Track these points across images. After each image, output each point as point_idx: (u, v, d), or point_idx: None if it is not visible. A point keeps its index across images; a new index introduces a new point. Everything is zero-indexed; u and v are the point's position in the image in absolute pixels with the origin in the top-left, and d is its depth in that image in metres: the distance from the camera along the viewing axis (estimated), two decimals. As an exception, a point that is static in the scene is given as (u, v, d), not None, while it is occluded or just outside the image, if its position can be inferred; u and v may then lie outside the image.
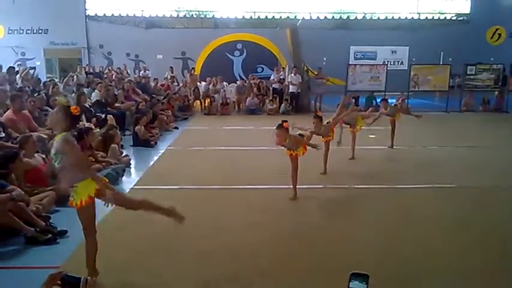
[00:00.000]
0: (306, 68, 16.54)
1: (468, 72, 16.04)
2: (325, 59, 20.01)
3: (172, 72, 18.21)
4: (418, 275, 3.90)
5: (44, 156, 6.14)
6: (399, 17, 21.84)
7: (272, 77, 16.29)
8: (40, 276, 3.28)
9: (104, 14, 20.80)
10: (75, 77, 13.90)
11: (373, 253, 4.30)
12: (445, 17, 22.26)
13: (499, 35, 21.55)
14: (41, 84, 11.37)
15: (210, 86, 15.97)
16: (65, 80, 13.22)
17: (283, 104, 15.01)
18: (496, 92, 16.19)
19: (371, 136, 9.69)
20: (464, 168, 7.76)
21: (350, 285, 1.44)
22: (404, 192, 6.46)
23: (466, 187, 6.60)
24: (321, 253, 4.33)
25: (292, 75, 15.21)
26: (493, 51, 19.91)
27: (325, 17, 21.69)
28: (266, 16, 21.32)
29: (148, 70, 18.10)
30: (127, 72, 18.12)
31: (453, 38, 20.30)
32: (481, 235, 4.80)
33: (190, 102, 15.63)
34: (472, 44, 20.12)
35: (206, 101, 15.61)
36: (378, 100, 16.03)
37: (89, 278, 1.80)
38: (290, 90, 15.29)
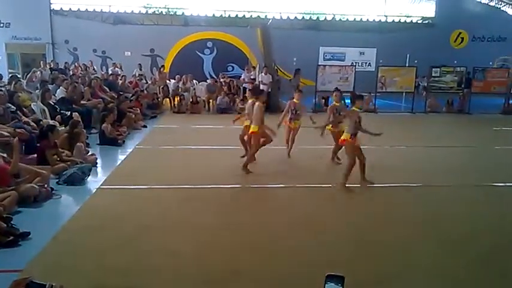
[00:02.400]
0: (276, 67, 16.57)
1: (433, 75, 16.51)
2: (295, 59, 20.12)
3: (140, 70, 17.89)
4: (391, 274, 3.95)
5: (4, 155, 5.87)
6: (367, 19, 22.23)
7: (243, 77, 16.24)
8: (1, 281, 3.14)
9: (70, 9, 20.17)
10: (38, 73, 13.43)
11: (346, 253, 4.34)
12: (411, 20, 22.81)
13: (462, 38, 22.27)
14: (2, 80, 10.93)
15: (180, 84, 15.78)
16: (28, 76, 12.76)
17: (253, 104, 14.97)
18: (461, 94, 16.69)
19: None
20: (430, 168, 7.97)
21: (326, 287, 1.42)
22: (373, 192, 6.56)
23: (433, 186, 6.78)
24: (297, 253, 4.32)
25: (263, 74, 15.21)
26: (456, 55, 20.54)
27: (296, 17, 21.82)
28: (237, 15, 21.24)
29: (118, 68, 17.70)
30: (93, 69, 17.68)
31: (419, 41, 20.82)
32: (451, 233, 4.93)
33: (159, 100, 15.38)
34: (436, 47, 20.70)
35: (176, 99, 15.40)
36: (347, 101, 16.31)
37: (54, 284, 1.70)
38: (260, 90, 15.26)
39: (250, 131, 7.17)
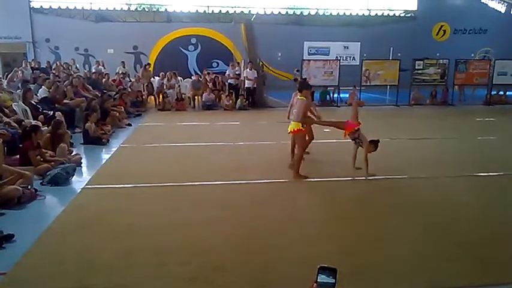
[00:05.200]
0: (262, 63, 16.57)
1: (416, 67, 16.67)
2: (280, 54, 20.12)
3: (124, 67, 17.71)
4: (379, 265, 3.98)
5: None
6: (350, 13, 22.33)
7: (228, 72, 16.20)
8: (-16, 285, 3.09)
9: (50, 7, 19.85)
10: (20, 72, 13.22)
11: (331, 245, 4.36)
12: (394, 14, 22.98)
13: (444, 31, 22.52)
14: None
15: (164, 81, 15.66)
16: (9, 75, 12.54)
17: (239, 100, 14.96)
18: (456, 87, 16.90)
19: (326, 130, 9.84)
20: (414, 160, 8.05)
21: (318, 280, 1.41)
22: (359, 184, 6.62)
23: (417, 177, 6.85)
24: (282, 248, 4.32)
25: (248, 70, 15.18)
26: (438, 47, 20.76)
27: (279, 12, 21.80)
28: (220, 10, 21.16)
29: (101, 66, 17.49)
30: (76, 67, 17.45)
31: (402, 34, 20.99)
32: (434, 223, 4.98)
33: (143, 97, 15.25)
34: (419, 40, 20.91)
35: (160, 96, 15.29)
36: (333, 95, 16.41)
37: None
38: (246, 86, 15.25)
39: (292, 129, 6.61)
